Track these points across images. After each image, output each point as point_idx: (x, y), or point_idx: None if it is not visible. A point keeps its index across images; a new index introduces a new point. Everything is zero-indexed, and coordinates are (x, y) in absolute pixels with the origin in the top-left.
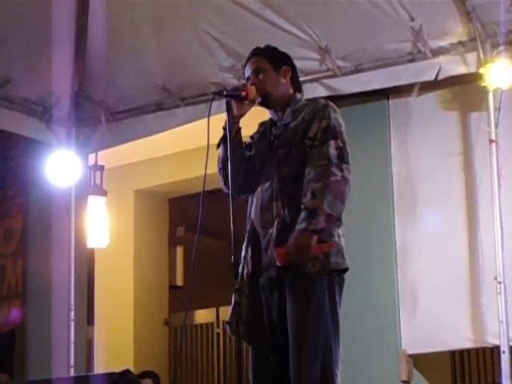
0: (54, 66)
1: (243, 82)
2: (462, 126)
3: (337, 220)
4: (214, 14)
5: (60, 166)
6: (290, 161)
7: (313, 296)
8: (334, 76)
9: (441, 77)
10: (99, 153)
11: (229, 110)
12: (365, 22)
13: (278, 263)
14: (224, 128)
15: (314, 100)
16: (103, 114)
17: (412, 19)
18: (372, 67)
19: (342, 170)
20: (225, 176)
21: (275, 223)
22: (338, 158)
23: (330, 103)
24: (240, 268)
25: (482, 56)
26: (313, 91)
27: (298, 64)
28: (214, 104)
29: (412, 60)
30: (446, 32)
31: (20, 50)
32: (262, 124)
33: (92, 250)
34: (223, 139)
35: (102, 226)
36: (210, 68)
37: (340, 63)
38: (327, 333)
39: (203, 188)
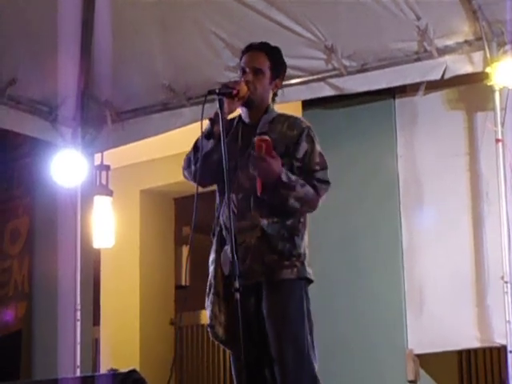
0: (59, 66)
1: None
2: (469, 125)
3: (296, 199)
4: (219, 14)
5: (66, 166)
6: None
7: (291, 297)
8: (340, 75)
9: (447, 76)
10: (105, 153)
11: (221, 107)
12: (371, 21)
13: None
14: (210, 119)
15: (290, 115)
16: (109, 113)
17: (418, 18)
18: (378, 66)
19: (324, 192)
20: (202, 168)
21: (253, 232)
22: (324, 183)
23: (310, 124)
24: (212, 270)
25: (488, 55)
26: (319, 91)
27: (303, 63)
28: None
29: (418, 59)
30: (452, 31)
31: (26, 50)
32: (229, 120)
33: (98, 250)
34: (209, 132)
35: (107, 226)
36: (216, 68)
37: (346, 62)
38: (306, 331)
39: (196, 189)
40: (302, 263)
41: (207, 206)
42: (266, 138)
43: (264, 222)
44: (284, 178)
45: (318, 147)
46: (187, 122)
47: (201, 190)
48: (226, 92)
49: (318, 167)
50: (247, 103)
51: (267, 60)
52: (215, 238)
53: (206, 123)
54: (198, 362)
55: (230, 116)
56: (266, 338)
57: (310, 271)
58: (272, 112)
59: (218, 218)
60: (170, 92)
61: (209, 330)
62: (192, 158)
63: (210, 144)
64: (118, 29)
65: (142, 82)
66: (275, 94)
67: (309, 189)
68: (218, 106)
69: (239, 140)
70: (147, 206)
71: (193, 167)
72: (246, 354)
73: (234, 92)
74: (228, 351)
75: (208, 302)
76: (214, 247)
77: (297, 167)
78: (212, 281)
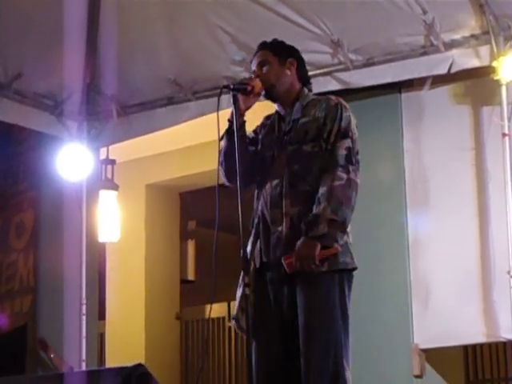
0: (65, 60)
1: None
2: (475, 119)
3: (341, 224)
4: (225, 8)
5: (71, 160)
6: (300, 158)
7: (323, 292)
8: (346, 69)
9: (453, 70)
10: (110, 147)
11: (235, 103)
12: (377, 15)
13: (287, 271)
14: (229, 120)
15: (324, 96)
16: (115, 107)
17: (424, 12)
18: (384, 60)
19: (347, 172)
20: (226, 169)
21: (284, 221)
22: (346, 160)
23: (341, 100)
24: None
25: (494, 49)
26: (325, 85)
27: (309, 57)
28: (226, 98)
29: (424, 53)
30: (458, 25)
31: (31, 44)
32: (267, 117)
33: (103, 245)
34: (227, 132)
35: (113, 221)
36: (222, 62)
37: (352, 56)
38: (338, 328)
39: (217, 181)
40: (335, 254)
41: (214, 201)
42: (287, 260)
43: (295, 210)
44: (321, 242)
45: (336, 126)
46: (193, 117)
47: (207, 184)
48: (241, 88)
49: (330, 146)
50: (270, 95)
51: (268, 52)
52: (253, 230)
53: (219, 117)
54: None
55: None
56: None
57: (347, 260)
58: (306, 97)
59: (256, 209)
60: (176, 86)
61: (233, 322)
62: (220, 162)
63: (227, 143)
64: (124, 23)
65: (148, 76)
66: (306, 79)
67: (330, 198)
68: (231, 101)
69: (276, 131)
70: (153, 201)
71: (222, 170)
72: (273, 344)
73: (249, 88)
74: (239, 345)
75: (238, 294)
76: (251, 239)
77: (324, 148)
78: (249, 271)
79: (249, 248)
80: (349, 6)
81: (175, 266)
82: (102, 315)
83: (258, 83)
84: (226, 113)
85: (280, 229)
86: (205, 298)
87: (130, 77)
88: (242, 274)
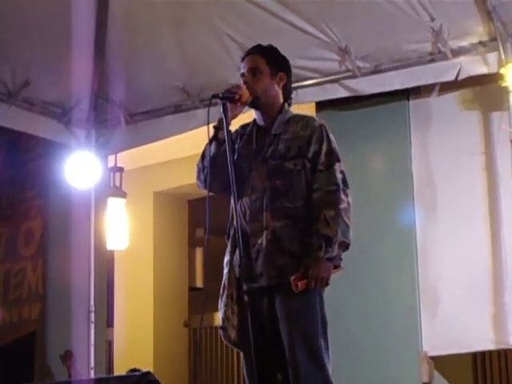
0: (73, 68)
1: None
2: (483, 126)
3: (347, 246)
4: (233, 16)
5: (79, 168)
6: (283, 174)
7: (304, 301)
8: (354, 77)
9: (461, 77)
10: (119, 154)
11: (225, 112)
12: (384, 22)
13: (295, 290)
14: (215, 127)
15: (305, 115)
16: (123, 115)
17: (432, 19)
18: (392, 68)
19: (346, 196)
20: (211, 175)
21: (264, 233)
22: (343, 183)
23: (323, 123)
24: (226, 272)
25: (502, 56)
26: (333, 92)
27: (317, 65)
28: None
29: (432, 60)
30: (466, 32)
31: (39, 51)
32: (243, 127)
33: (111, 252)
34: (214, 138)
35: (121, 228)
36: (229, 69)
37: (360, 64)
38: (319, 334)
39: (208, 190)
40: None
41: (221, 209)
42: (298, 284)
43: (276, 224)
44: (336, 263)
45: (324, 147)
46: (201, 124)
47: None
48: (229, 96)
49: (322, 167)
50: (254, 104)
51: (262, 58)
52: (229, 240)
53: (209, 126)
54: (211, 364)
55: (240, 121)
56: (280, 340)
57: None
58: (287, 113)
59: (232, 220)
60: (184, 94)
61: (221, 332)
62: (201, 166)
63: (213, 149)
64: (132, 30)
65: (156, 84)
66: (289, 94)
67: (340, 221)
68: (221, 110)
69: (253, 142)
70: (161, 208)
71: (202, 175)
72: (258, 356)
73: (237, 97)
74: (241, 354)
75: (221, 304)
76: (228, 249)
77: (309, 168)
78: (225, 283)
79: (227, 258)
80: (356, 13)
81: (183, 274)
82: (110, 322)
83: (245, 92)
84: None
85: (260, 241)
86: (213, 306)
87: (138, 84)
88: (223, 283)
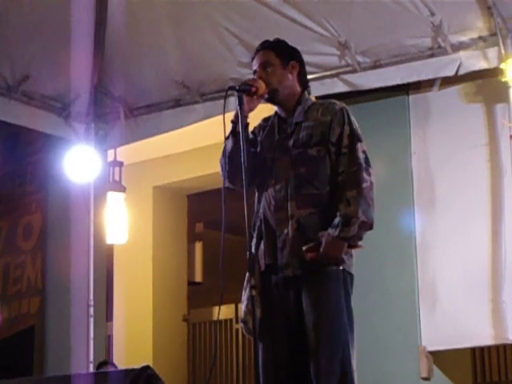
0: (72, 62)
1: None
2: (483, 121)
3: (370, 226)
4: (233, 10)
5: (79, 162)
6: (307, 161)
7: (330, 293)
8: (354, 71)
9: (461, 72)
10: (118, 149)
11: (241, 104)
12: (384, 17)
13: (306, 259)
14: (232, 121)
15: (325, 100)
16: (122, 109)
17: (432, 14)
18: (392, 62)
19: (369, 175)
20: (230, 170)
21: (290, 223)
22: (366, 162)
23: (344, 105)
24: (250, 264)
25: (502, 51)
26: (332, 87)
27: (317, 59)
28: (231, 100)
29: (432, 55)
30: (466, 27)
31: (39, 46)
32: (265, 119)
33: (111, 246)
34: (232, 133)
35: (120, 222)
36: (229, 64)
37: (360, 58)
38: (345, 329)
39: (224, 184)
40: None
41: (221, 203)
42: (308, 254)
43: (301, 212)
44: (349, 243)
45: (346, 128)
46: (200, 119)
47: (214, 186)
48: (245, 89)
49: (345, 150)
50: (272, 98)
51: (271, 51)
52: (255, 233)
53: (225, 119)
54: (210, 359)
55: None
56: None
57: (351, 263)
58: (307, 101)
59: (258, 212)
60: (183, 88)
61: (242, 325)
62: (222, 163)
63: (232, 144)
64: (131, 24)
65: (155, 78)
66: (306, 82)
67: (361, 201)
68: (237, 103)
69: (276, 133)
70: (160, 203)
71: (224, 172)
72: (280, 346)
73: (253, 89)
74: (247, 347)
75: (244, 297)
76: (254, 241)
77: (333, 152)
78: (249, 275)
79: (253, 250)
80: (356, 8)
81: (183, 268)
82: (109, 317)
83: (262, 85)
84: (232, 115)
85: (286, 231)
86: (212, 300)
87: (138, 79)
88: (247, 275)
